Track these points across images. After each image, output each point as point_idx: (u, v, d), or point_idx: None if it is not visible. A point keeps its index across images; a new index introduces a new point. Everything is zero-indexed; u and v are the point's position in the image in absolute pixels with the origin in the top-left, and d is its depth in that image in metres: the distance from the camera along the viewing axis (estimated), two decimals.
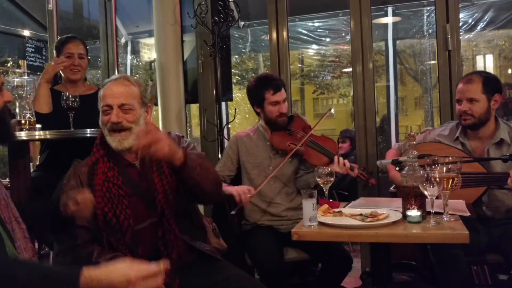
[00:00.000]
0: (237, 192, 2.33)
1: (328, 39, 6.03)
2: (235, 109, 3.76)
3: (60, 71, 2.65)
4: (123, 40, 5.63)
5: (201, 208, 2.62)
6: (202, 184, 1.71)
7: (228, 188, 2.40)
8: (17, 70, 5.71)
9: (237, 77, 7.96)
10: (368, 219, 1.79)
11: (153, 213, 1.77)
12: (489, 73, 2.42)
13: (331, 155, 2.48)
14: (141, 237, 1.76)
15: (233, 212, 2.36)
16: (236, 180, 2.64)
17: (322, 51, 7.35)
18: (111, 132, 1.76)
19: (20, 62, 5.48)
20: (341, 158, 2.41)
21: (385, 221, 1.75)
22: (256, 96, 2.57)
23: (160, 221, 1.76)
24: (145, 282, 1.03)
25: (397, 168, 2.25)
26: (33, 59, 5.16)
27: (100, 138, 1.83)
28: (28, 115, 2.13)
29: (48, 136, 2.25)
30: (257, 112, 2.64)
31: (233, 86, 4.01)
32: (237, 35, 5.71)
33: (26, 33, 5.28)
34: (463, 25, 4.94)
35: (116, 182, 1.75)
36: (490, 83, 2.33)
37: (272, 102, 2.52)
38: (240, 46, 6.11)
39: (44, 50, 5.24)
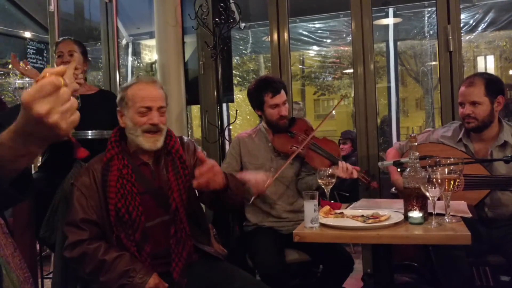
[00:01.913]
0: (256, 180, 2.23)
1: (329, 40, 6.03)
2: (236, 110, 3.76)
3: None
4: (124, 42, 5.63)
5: None
6: (236, 201, 1.79)
7: (245, 176, 2.36)
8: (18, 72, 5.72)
9: (238, 78, 7.96)
10: (370, 221, 1.78)
11: (163, 211, 1.80)
12: (491, 75, 2.39)
13: (333, 158, 2.47)
14: (150, 234, 1.79)
15: (250, 203, 2.40)
16: None
17: (323, 52, 7.35)
18: (145, 133, 1.81)
19: (21, 63, 5.49)
20: (345, 163, 2.38)
21: (386, 223, 1.75)
22: (256, 99, 2.57)
23: (173, 219, 1.78)
24: (43, 98, 0.80)
25: (399, 169, 2.24)
26: (34, 60, 5.17)
27: (115, 136, 1.85)
28: None
29: None
30: (259, 115, 2.64)
31: (234, 87, 4.01)
32: (238, 37, 5.72)
33: (28, 34, 5.29)
34: (464, 26, 4.94)
35: (129, 179, 1.79)
36: (492, 85, 2.31)
37: (271, 105, 2.51)
38: (241, 47, 6.11)
39: (45, 51, 5.25)
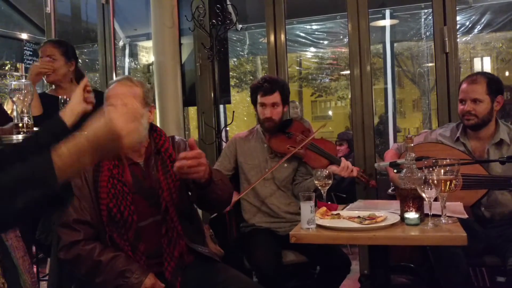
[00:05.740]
0: None
1: (326, 42, 6.05)
2: (233, 111, 3.76)
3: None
4: (121, 43, 5.63)
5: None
6: (221, 197, 1.77)
7: None
8: (15, 73, 5.71)
9: (235, 79, 7.97)
10: (366, 222, 1.78)
11: (155, 211, 1.80)
12: (493, 75, 2.44)
13: (332, 158, 2.49)
14: (143, 234, 1.78)
15: (228, 209, 2.35)
16: (235, 180, 2.64)
17: (320, 54, 7.36)
18: None
19: (18, 65, 5.49)
20: (347, 162, 2.42)
21: (383, 224, 1.75)
22: (252, 96, 2.61)
23: (164, 218, 1.78)
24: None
25: (395, 171, 2.25)
26: (30, 62, 5.15)
27: None
28: (25, 118, 2.13)
29: None
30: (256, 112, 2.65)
31: (231, 88, 4.02)
32: (235, 38, 5.73)
33: (24, 36, 5.28)
34: (460, 27, 4.96)
35: (120, 179, 1.79)
36: (494, 84, 2.35)
37: (259, 103, 2.53)
38: (238, 49, 6.12)
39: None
